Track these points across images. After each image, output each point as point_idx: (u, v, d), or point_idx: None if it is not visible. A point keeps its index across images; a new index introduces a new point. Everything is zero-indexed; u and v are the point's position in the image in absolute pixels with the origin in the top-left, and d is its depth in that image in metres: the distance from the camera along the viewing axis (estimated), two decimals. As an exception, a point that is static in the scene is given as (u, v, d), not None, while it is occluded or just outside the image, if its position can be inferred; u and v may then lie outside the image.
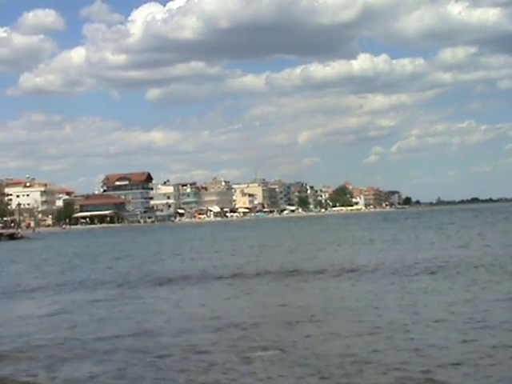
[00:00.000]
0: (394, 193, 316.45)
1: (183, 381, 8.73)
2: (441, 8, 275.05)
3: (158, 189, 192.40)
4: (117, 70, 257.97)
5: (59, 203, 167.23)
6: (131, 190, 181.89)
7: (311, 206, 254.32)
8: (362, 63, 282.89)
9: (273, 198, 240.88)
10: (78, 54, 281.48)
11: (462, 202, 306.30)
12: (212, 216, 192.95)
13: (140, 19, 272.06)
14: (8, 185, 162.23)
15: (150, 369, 9.36)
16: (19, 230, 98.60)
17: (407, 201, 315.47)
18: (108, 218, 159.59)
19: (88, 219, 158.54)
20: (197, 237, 63.25)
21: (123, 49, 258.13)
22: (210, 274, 22.99)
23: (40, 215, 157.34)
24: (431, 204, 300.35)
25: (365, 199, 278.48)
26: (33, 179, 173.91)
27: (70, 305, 16.70)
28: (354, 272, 21.12)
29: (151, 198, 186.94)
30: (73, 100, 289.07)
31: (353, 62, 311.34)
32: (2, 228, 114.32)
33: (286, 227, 75.17)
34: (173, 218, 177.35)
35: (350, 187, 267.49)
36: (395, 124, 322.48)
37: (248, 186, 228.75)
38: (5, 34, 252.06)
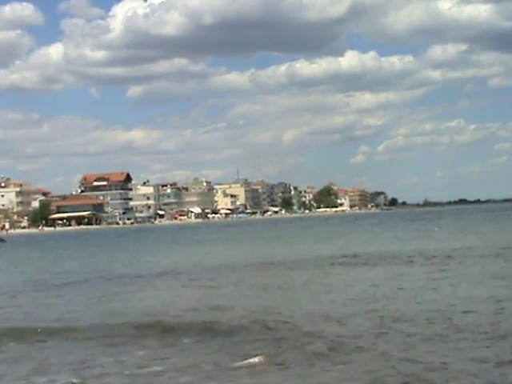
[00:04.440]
0: (379, 194, 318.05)
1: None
2: (431, 4, 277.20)
3: (138, 189, 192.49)
4: (96, 66, 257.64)
5: (35, 204, 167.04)
6: (110, 190, 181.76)
7: (295, 207, 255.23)
8: (349, 60, 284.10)
9: (255, 199, 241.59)
10: (56, 50, 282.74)
11: (450, 203, 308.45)
12: (193, 217, 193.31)
13: (121, 14, 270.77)
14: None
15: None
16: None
17: (393, 202, 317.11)
18: (86, 220, 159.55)
19: (65, 220, 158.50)
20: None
21: (103, 45, 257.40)
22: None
23: (15, 216, 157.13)
24: (418, 205, 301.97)
25: (350, 200, 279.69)
26: (8, 179, 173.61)
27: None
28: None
29: (130, 199, 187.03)
30: (51, 98, 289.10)
31: (340, 59, 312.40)
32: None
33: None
34: (153, 220, 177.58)
35: (335, 188, 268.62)
36: (383, 123, 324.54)
37: (230, 187, 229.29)
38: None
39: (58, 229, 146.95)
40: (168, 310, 14.98)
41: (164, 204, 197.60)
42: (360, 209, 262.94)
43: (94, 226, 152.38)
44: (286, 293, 17.55)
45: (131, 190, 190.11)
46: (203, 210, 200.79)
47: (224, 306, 15.10)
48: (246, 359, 9.53)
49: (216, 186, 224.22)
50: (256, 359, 9.49)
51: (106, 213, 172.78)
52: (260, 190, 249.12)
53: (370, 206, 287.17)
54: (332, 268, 23.80)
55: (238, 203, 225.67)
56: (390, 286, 17.52)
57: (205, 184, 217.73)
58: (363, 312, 13.46)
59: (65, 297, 19.20)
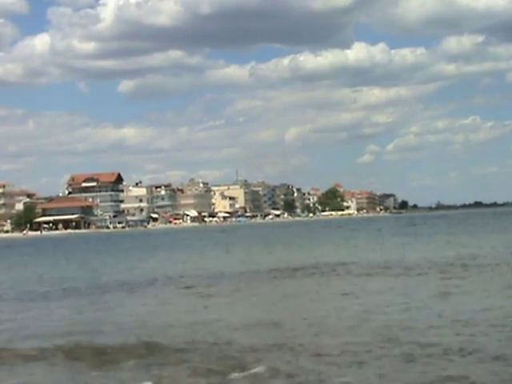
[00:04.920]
0: (389, 196, 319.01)
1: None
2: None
3: (130, 191, 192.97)
4: (85, 59, 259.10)
5: (19, 206, 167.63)
6: (99, 192, 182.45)
7: (298, 211, 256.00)
8: (357, 53, 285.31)
9: (256, 202, 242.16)
10: (41, 41, 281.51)
11: (464, 206, 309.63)
12: (189, 221, 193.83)
13: (112, 3, 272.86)
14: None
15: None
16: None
17: (404, 205, 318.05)
18: (73, 224, 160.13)
19: (51, 224, 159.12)
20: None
21: (92, 36, 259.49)
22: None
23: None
24: (430, 208, 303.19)
25: (357, 203, 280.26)
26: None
27: None
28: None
29: (122, 201, 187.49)
30: (36, 92, 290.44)
31: (347, 51, 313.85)
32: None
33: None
34: (145, 224, 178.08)
35: (341, 190, 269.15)
36: (392, 120, 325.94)
37: (229, 189, 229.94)
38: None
39: (44, 233, 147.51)
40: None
41: (158, 207, 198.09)
42: (368, 212, 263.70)
43: (83, 231, 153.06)
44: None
45: (122, 191, 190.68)
46: (200, 213, 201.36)
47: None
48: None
49: (213, 188, 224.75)
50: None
51: (96, 216, 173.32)
52: (261, 192, 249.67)
53: (378, 209, 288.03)
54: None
55: (236, 206, 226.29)
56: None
57: (201, 185, 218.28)
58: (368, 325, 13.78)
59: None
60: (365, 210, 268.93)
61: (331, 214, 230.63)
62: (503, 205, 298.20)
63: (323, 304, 17.40)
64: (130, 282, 25.17)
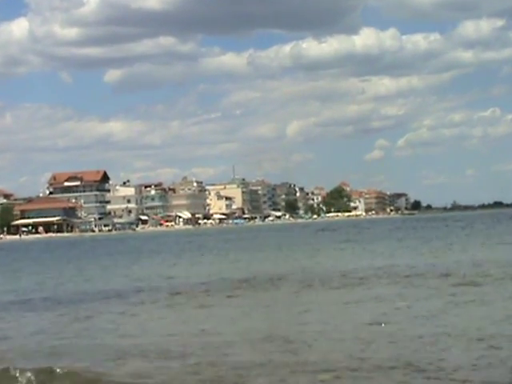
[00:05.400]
0: (400, 196, 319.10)
1: None
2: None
3: (117, 191, 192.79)
4: (67, 46, 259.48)
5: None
6: (83, 192, 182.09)
7: (301, 212, 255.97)
8: (365, 39, 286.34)
9: (254, 202, 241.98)
10: (19, 27, 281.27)
11: (483, 206, 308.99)
12: (181, 223, 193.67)
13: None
14: None
15: None
16: None
17: (416, 205, 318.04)
18: (55, 226, 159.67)
19: (31, 227, 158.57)
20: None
21: (75, 21, 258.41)
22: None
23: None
24: (445, 209, 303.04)
25: (365, 203, 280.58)
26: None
27: None
28: None
29: (108, 202, 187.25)
30: (14, 83, 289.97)
31: (354, 37, 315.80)
32: None
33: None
34: (134, 226, 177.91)
35: (348, 189, 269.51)
36: (404, 113, 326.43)
37: (225, 188, 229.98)
38: None
39: (23, 237, 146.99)
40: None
41: (147, 208, 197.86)
42: (377, 213, 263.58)
43: (65, 234, 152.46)
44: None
45: (109, 191, 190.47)
46: (193, 214, 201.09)
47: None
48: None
49: (208, 187, 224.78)
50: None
51: (79, 218, 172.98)
52: (260, 192, 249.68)
53: (388, 210, 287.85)
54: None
55: (233, 207, 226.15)
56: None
57: (195, 184, 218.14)
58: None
59: None
60: (374, 211, 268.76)
61: (337, 216, 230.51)
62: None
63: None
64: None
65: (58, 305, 21.52)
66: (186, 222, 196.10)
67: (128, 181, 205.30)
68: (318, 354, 11.81)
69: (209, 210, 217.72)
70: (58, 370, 10.92)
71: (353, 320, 15.38)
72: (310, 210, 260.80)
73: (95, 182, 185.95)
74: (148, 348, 13.10)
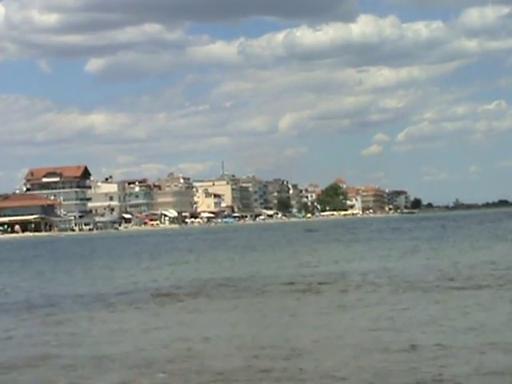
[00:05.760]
0: (399, 193, 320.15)
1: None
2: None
3: (98, 187, 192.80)
4: (46, 33, 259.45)
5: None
6: (63, 188, 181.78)
7: (294, 210, 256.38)
8: (363, 27, 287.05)
9: (245, 200, 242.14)
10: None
11: (487, 204, 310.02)
12: (167, 222, 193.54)
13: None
14: None
15: None
16: None
17: (417, 203, 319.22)
18: (33, 225, 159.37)
19: (6, 226, 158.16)
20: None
21: (55, 6, 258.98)
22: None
23: None
24: (447, 208, 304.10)
25: (362, 202, 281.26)
26: None
27: None
28: None
29: (89, 200, 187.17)
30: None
31: (351, 25, 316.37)
32: None
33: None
34: (117, 225, 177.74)
35: (344, 186, 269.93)
36: (404, 105, 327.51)
37: (213, 185, 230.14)
38: None
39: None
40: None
41: (131, 206, 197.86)
42: (375, 212, 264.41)
43: (43, 233, 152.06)
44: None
45: (90, 188, 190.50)
46: (180, 213, 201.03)
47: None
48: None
49: (196, 184, 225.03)
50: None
51: (59, 216, 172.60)
52: (250, 189, 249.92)
53: (387, 208, 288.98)
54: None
55: (223, 205, 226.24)
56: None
57: (182, 181, 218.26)
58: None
59: None
60: (371, 210, 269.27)
61: (332, 214, 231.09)
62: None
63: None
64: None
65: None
66: (172, 220, 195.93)
67: (110, 177, 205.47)
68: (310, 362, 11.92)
69: (196, 208, 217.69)
70: None
71: (350, 326, 15.53)
72: (304, 208, 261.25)
73: (75, 178, 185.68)
74: (131, 356, 13.13)
